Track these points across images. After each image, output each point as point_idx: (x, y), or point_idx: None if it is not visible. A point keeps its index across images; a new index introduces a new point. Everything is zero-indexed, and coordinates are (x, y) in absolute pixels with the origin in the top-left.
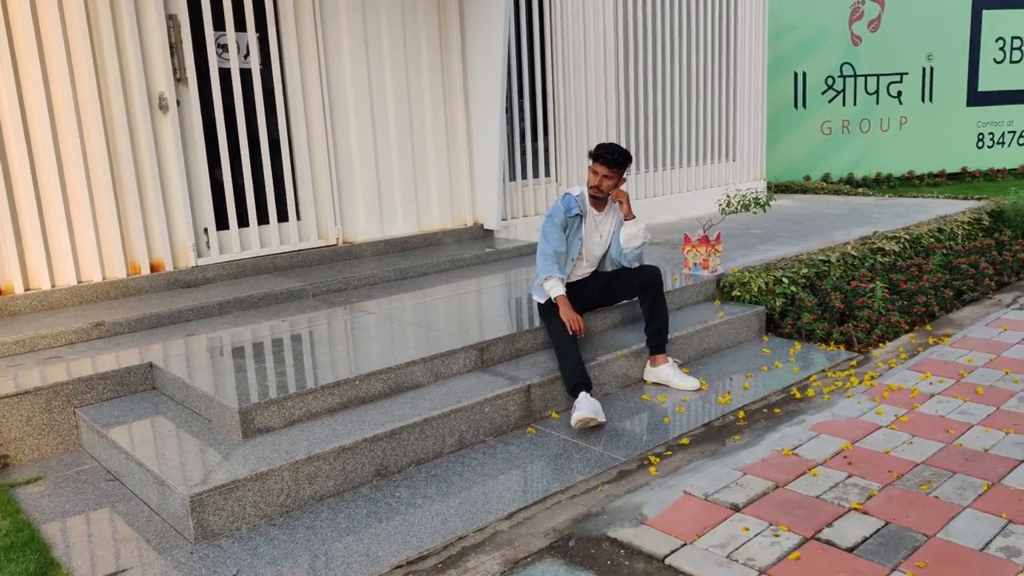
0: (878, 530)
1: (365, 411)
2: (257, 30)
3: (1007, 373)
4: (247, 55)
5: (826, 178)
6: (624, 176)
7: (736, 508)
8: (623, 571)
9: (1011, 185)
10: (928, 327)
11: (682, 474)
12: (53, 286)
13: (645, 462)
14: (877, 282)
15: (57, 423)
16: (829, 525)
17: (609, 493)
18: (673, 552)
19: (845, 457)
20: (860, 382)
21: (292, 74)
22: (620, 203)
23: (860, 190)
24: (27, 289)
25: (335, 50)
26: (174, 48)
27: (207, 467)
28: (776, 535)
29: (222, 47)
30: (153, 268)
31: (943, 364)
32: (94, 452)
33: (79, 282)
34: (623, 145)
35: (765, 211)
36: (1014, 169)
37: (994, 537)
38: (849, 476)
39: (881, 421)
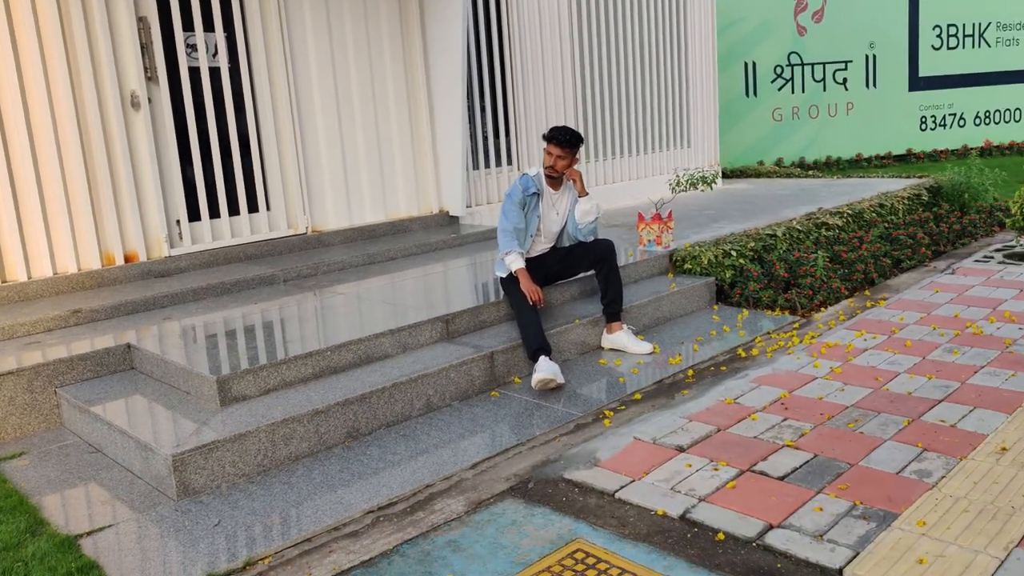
0: (807, 461)
1: (336, 380)
2: (225, 30)
3: (934, 328)
4: (215, 54)
5: (779, 163)
6: (576, 156)
7: (681, 449)
8: (577, 505)
9: (952, 164)
10: (867, 292)
11: (633, 424)
12: (29, 278)
13: (600, 416)
14: (819, 252)
15: (39, 403)
16: (764, 459)
17: (566, 443)
18: (622, 487)
19: (782, 404)
20: (801, 341)
21: (259, 71)
22: (573, 181)
23: (810, 173)
24: (3, 281)
25: (300, 47)
26: (145, 48)
27: (187, 432)
28: (716, 469)
29: (191, 47)
30: (127, 259)
31: (877, 323)
32: (75, 428)
33: (55, 273)
34: (581, 134)
35: (711, 188)
36: (956, 150)
37: (909, 462)
38: (784, 419)
39: (817, 373)
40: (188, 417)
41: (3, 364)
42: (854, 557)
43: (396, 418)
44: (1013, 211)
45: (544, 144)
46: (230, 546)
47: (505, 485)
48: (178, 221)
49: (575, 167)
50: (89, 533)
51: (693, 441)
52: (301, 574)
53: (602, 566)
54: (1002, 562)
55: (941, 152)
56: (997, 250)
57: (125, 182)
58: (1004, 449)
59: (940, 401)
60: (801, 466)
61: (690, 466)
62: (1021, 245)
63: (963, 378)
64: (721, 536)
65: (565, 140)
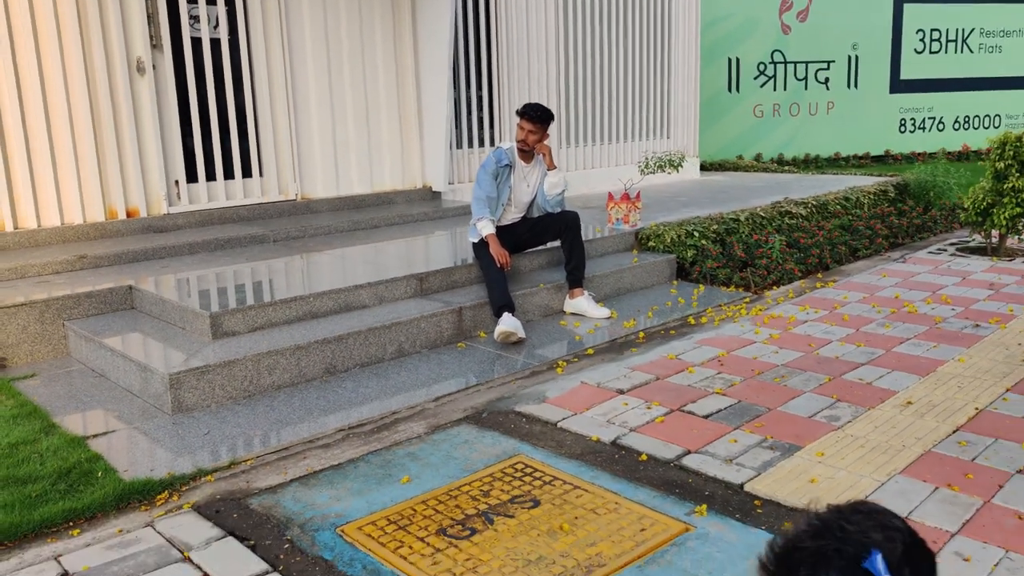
0: (731, 405)
1: (317, 323)
2: (226, 3)
3: (874, 307)
4: (216, 25)
5: (758, 158)
6: (547, 132)
7: (621, 392)
8: (522, 431)
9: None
10: (820, 275)
11: (582, 372)
12: (39, 226)
13: (554, 365)
14: (777, 237)
15: (48, 333)
16: (693, 402)
17: (520, 385)
18: (564, 419)
19: (719, 361)
20: (747, 313)
21: (257, 44)
22: (544, 155)
23: (787, 168)
24: (16, 228)
25: (297, 23)
26: (151, 17)
27: (183, 357)
28: (649, 408)
29: (194, 18)
30: (129, 214)
31: (822, 300)
32: (81, 357)
33: (62, 223)
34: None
35: (678, 171)
36: (933, 153)
37: (822, 410)
38: (718, 373)
39: (756, 339)
40: (183, 347)
41: (16, 297)
42: (755, 476)
43: (370, 359)
44: (967, 207)
45: (517, 119)
46: (217, 450)
47: (462, 414)
48: (177, 182)
49: (545, 142)
50: (94, 436)
51: (633, 386)
52: (278, 473)
53: (537, 474)
54: (882, 484)
55: (919, 154)
56: (952, 244)
57: (129, 142)
58: (909, 403)
59: (862, 364)
60: (725, 408)
61: (626, 404)
62: (975, 240)
63: (888, 347)
64: (644, 457)
65: (537, 116)
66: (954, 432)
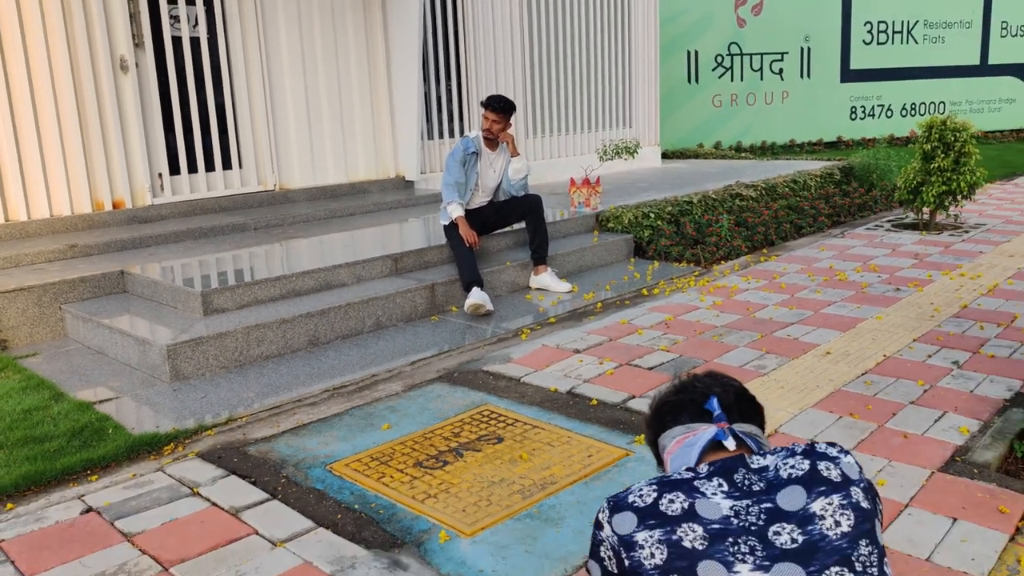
0: (673, 359)
1: (300, 300)
2: (204, 3)
3: (809, 276)
4: (196, 24)
5: (717, 146)
6: (510, 122)
7: (577, 351)
8: (489, 386)
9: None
10: (764, 251)
11: (544, 337)
12: (29, 218)
13: (519, 333)
14: (725, 216)
15: (46, 316)
16: (640, 357)
17: (488, 349)
18: (526, 375)
19: (666, 324)
20: (695, 284)
21: (235, 42)
22: (507, 143)
23: (744, 155)
24: (7, 220)
25: (272, 21)
26: (133, 17)
27: (177, 331)
28: (601, 363)
29: (174, 17)
30: (115, 205)
31: (764, 272)
32: (78, 337)
33: (51, 215)
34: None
35: (633, 156)
36: (883, 138)
37: (752, 360)
38: (664, 333)
39: (701, 305)
40: (176, 323)
41: (14, 283)
42: None
43: (350, 332)
44: (900, 186)
45: (482, 110)
46: (214, 410)
47: (435, 375)
48: (160, 174)
49: (508, 131)
50: (100, 402)
51: (588, 346)
52: (271, 426)
53: (502, 418)
54: (795, 416)
55: (869, 140)
56: (889, 221)
57: (114, 137)
58: (828, 353)
59: (792, 324)
60: (667, 361)
61: (581, 361)
62: (909, 217)
63: (817, 309)
64: (595, 402)
65: (500, 107)
66: (863, 375)
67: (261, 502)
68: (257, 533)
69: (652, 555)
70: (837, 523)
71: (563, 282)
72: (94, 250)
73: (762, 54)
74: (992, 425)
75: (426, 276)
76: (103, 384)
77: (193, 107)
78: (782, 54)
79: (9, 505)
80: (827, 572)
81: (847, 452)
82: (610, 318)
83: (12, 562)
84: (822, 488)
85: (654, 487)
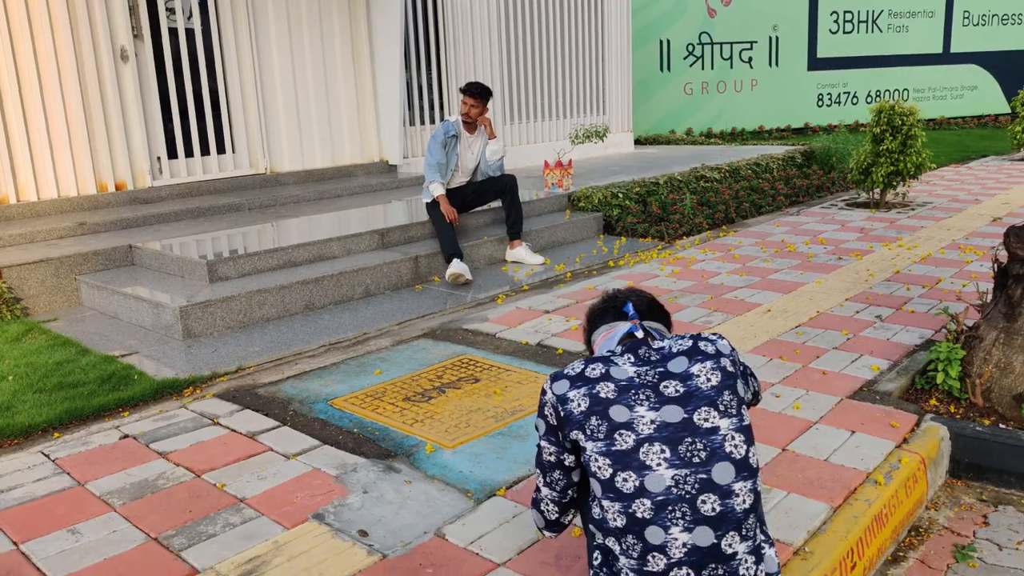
0: None
1: (296, 270)
2: None
3: (762, 248)
4: (190, 16)
5: (688, 132)
6: (487, 107)
7: (547, 312)
8: (468, 340)
9: (841, 136)
10: (724, 227)
11: (518, 301)
12: (39, 199)
13: (495, 298)
14: (688, 195)
15: (63, 286)
16: None
17: (468, 312)
18: (501, 331)
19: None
20: (658, 256)
21: (227, 32)
22: (485, 126)
23: (713, 141)
24: (18, 200)
25: (262, 12)
26: (132, 9)
27: (187, 295)
28: (567, 321)
29: (170, 10)
30: (117, 187)
31: (721, 245)
32: (92, 304)
33: (59, 196)
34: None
35: (603, 140)
36: (849, 124)
37: (700, 317)
38: None
39: (661, 273)
40: (185, 290)
41: (33, 256)
42: None
43: (342, 298)
44: (852, 167)
45: (461, 96)
46: (225, 361)
47: (420, 332)
48: (159, 158)
49: (486, 115)
50: (122, 356)
51: (557, 308)
52: (277, 374)
53: (479, 364)
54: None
55: (836, 126)
56: (843, 200)
57: (116, 123)
58: (769, 311)
59: (741, 288)
60: None
61: (550, 320)
62: (862, 196)
63: (765, 276)
64: (560, 351)
65: (477, 92)
66: (796, 327)
67: (273, 428)
68: (272, 450)
69: (579, 405)
70: (708, 380)
71: (536, 255)
72: (101, 227)
73: (732, 43)
74: (899, 364)
75: (410, 249)
76: (122, 342)
77: (189, 94)
78: (751, 43)
79: (56, 434)
80: (699, 411)
81: (722, 337)
82: (578, 285)
83: (68, 473)
84: (699, 357)
85: (582, 362)
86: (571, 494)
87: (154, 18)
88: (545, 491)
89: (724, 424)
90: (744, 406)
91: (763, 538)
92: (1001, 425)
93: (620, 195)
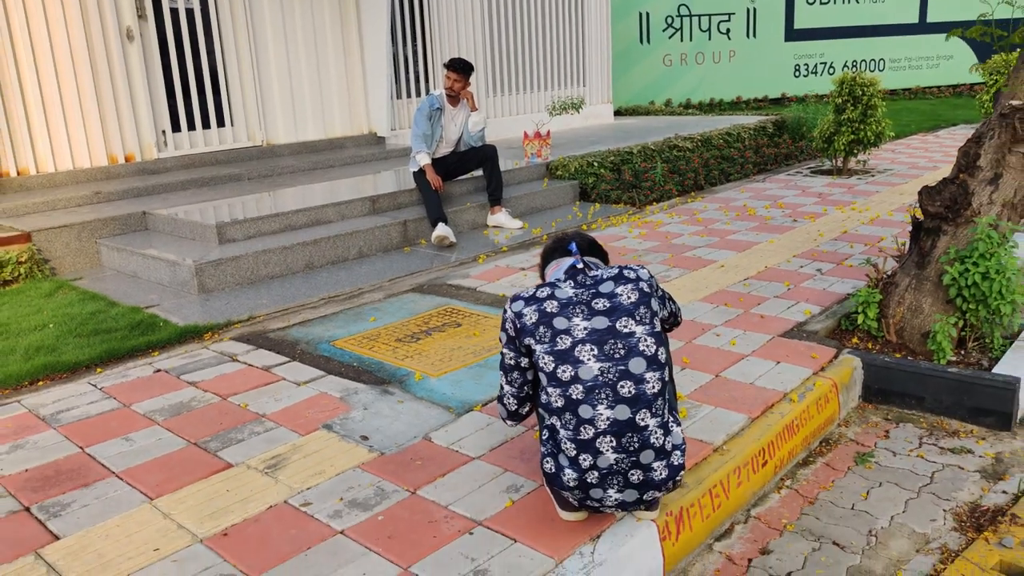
0: None
1: (296, 233)
2: None
3: (725, 213)
4: None
5: (668, 103)
6: (469, 80)
7: (523, 269)
8: (452, 293)
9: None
10: (693, 194)
11: (498, 260)
12: (55, 170)
13: (477, 258)
14: (660, 163)
15: (85, 248)
16: None
17: (452, 270)
18: (481, 286)
19: None
20: (627, 219)
21: (224, 12)
22: (467, 99)
23: (691, 111)
24: (38, 171)
25: None
26: None
27: (200, 254)
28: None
29: None
30: (127, 159)
31: (687, 210)
32: (112, 265)
33: (74, 167)
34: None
35: (579, 111)
36: (825, 95)
37: (660, 272)
38: None
39: (629, 235)
40: (196, 251)
41: (57, 222)
42: None
43: (338, 258)
44: (815, 136)
45: (445, 71)
46: (237, 311)
47: (409, 287)
48: (164, 131)
49: (468, 89)
50: (146, 307)
51: (532, 265)
52: (283, 321)
53: (461, 312)
54: (683, 306)
55: (812, 96)
56: (809, 167)
57: (124, 99)
58: (722, 266)
59: (700, 247)
60: None
61: (526, 275)
62: (826, 164)
63: (724, 236)
64: None
65: (461, 67)
66: (744, 279)
67: (284, 363)
68: (285, 379)
69: (531, 318)
70: (628, 297)
71: (516, 220)
72: (115, 196)
73: (710, 15)
74: (830, 309)
75: (399, 215)
76: (143, 297)
77: (190, 71)
78: (729, 15)
79: (98, 370)
80: (620, 320)
81: (643, 267)
82: None
83: (114, 398)
84: (623, 281)
85: (535, 288)
86: (527, 390)
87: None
88: (507, 388)
89: (639, 330)
90: (656, 318)
91: (671, 418)
92: (910, 359)
93: (595, 164)
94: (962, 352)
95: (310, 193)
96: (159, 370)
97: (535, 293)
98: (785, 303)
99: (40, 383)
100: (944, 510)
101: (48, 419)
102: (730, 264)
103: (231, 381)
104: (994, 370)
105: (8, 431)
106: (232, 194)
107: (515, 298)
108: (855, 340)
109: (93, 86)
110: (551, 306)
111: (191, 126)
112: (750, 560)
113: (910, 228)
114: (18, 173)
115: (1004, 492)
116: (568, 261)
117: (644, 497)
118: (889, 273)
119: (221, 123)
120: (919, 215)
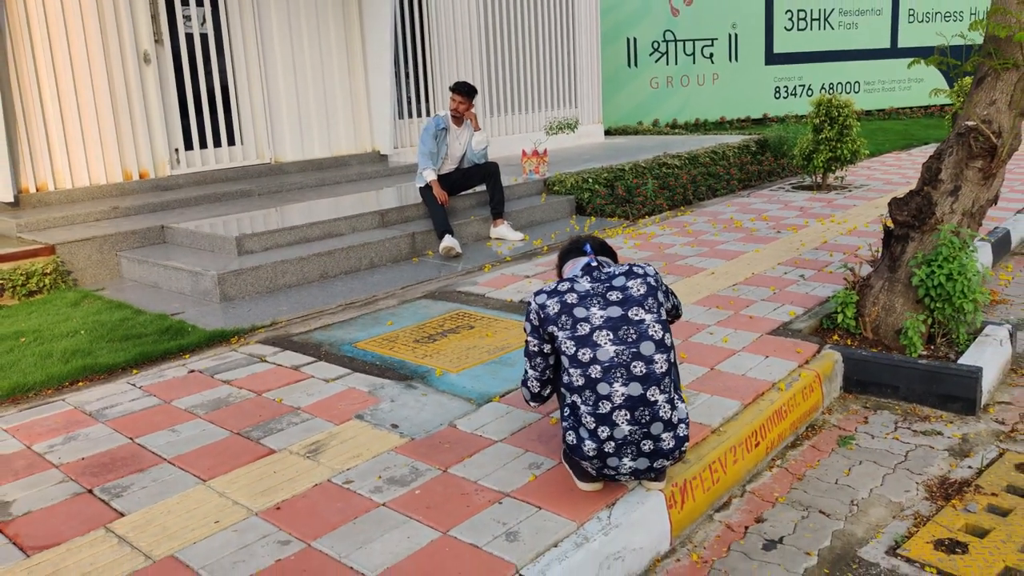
0: None
1: (310, 245)
2: (211, 4)
3: (713, 225)
4: (204, 22)
5: (655, 123)
6: (472, 103)
7: (528, 277)
8: (462, 299)
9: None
10: (682, 208)
11: (503, 269)
12: (73, 186)
13: (483, 268)
14: (651, 180)
15: (106, 260)
16: None
17: (460, 279)
18: (489, 292)
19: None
20: (622, 232)
21: (236, 37)
22: (471, 119)
23: (677, 131)
24: (56, 188)
25: (267, 19)
26: (154, 18)
27: (221, 265)
28: (545, 283)
29: (187, 17)
30: (141, 175)
31: (678, 222)
32: (133, 276)
33: (91, 183)
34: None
35: (574, 131)
36: (804, 115)
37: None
38: None
39: (624, 246)
40: (217, 261)
41: (79, 235)
42: None
43: (351, 268)
44: (795, 154)
45: (451, 94)
46: (260, 317)
47: (421, 294)
48: (176, 149)
49: (472, 110)
50: (172, 314)
51: (536, 273)
52: (305, 326)
53: (472, 316)
54: None
55: (792, 117)
56: (790, 183)
57: (139, 118)
58: (712, 273)
59: (691, 256)
60: None
61: (531, 283)
62: (807, 180)
63: (713, 246)
64: None
65: (465, 91)
66: (733, 285)
67: (311, 362)
68: (314, 377)
69: (553, 308)
70: (638, 290)
71: (517, 232)
72: (132, 211)
73: (694, 40)
74: (812, 310)
75: (407, 227)
76: (167, 305)
77: (203, 92)
78: (712, 40)
79: (134, 371)
80: (632, 309)
81: (649, 265)
82: (553, 256)
83: (154, 395)
84: (633, 276)
85: (556, 283)
86: (548, 374)
87: (173, 25)
88: (531, 372)
89: (648, 318)
90: (662, 308)
91: (676, 396)
92: (885, 353)
93: (590, 180)
94: (931, 347)
95: (322, 208)
96: (193, 371)
97: (556, 287)
98: (771, 305)
99: (80, 384)
100: (917, 483)
101: (95, 415)
102: (720, 271)
103: (263, 379)
104: (959, 361)
105: (59, 425)
106: (244, 209)
107: (538, 292)
108: (835, 337)
109: (111, 106)
110: (571, 298)
111: (203, 144)
112: (747, 527)
113: (882, 236)
114: (37, 189)
115: (969, 467)
116: (584, 260)
117: (654, 465)
118: (865, 277)
119: (232, 142)
120: (890, 224)
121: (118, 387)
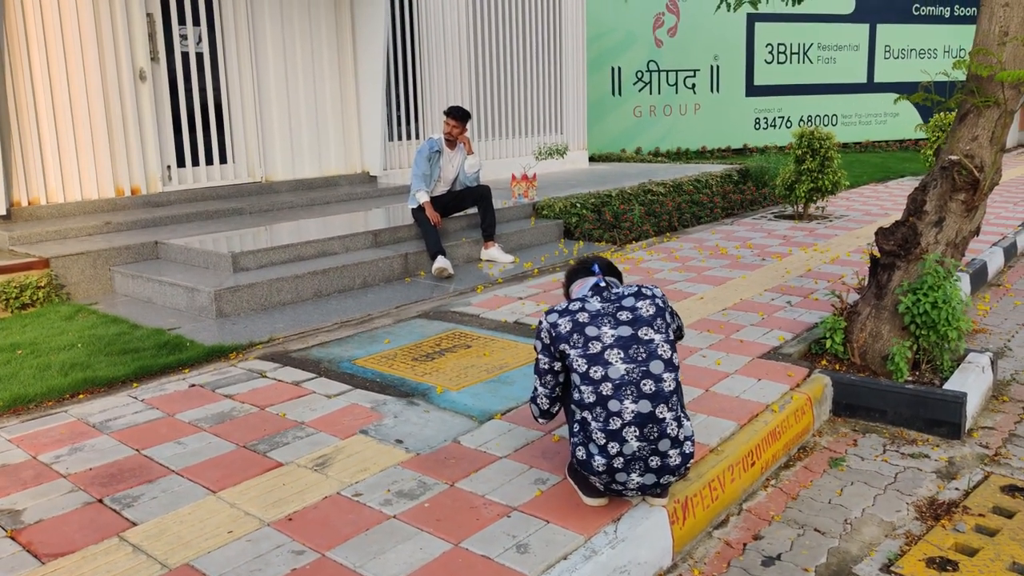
0: None
1: (304, 263)
2: (207, 24)
3: (699, 251)
4: (200, 42)
5: (638, 151)
6: (466, 127)
7: (520, 298)
8: (457, 319)
9: (772, 157)
10: (668, 234)
11: (496, 290)
12: (65, 200)
13: (475, 289)
14: (637, 206)
15: (99, 275)
16: None
17: (453, 299)
18: (483, 313)
19: None
20: (610, 257)
21: (231, 56)
22: (464, 144)
23: (659, 159)
24: (48, 202)
25: (261, 39)
26: (151, 36)
27: (216, 282)
28: (538, 304)
29: (183, 36)
30: (133, 191)
31: (665, 248)
32: (126, 291)
33: (82, 198)
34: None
35: (563, 156)
36: (784, 146)
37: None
38: None
39: None
40: (212, 278)
41: (72, 249)
42: None
43: (345, 287)
44: (778, 184)
45: (444, 118)
46: (257, 333)
47: (416, 314)
48: (169, 166)
49: (465, 134)
50: (169, 329)
51: (528, 295)
52: (303, 343)
53: (469, 336)
54: None
55: (773, 147)
56: (772, 212)
57: (133, 134)
58: (701, 298)
59: (680, 281)
60: None
61: (523, 304)
62: (788, 209)
63: (700, 272)
64: (534, 326)
65: (459, 115)
66: (723, 310)
67: (312, 378)
68: (315, 392)
69: (565, 327)
70: (647, 310)
71: (507, 255)
72: (124, 226)
73: (677, 71)
74: (801, 336)
75: (400, 248)
76: (163, 320)
77: (196, 110)
78: (694, 71)
79: (135, 384)
80: (641, 329)
81: (656, 287)
82: (544, 278)
83: (157, 408)
84: (642, 297)
85: (566, 303)
86: (558, 391)
87: (169, 43)
88: (540, 389)
89: (657, 338)
90: (670, 329)
91: (683, 413)
92: (873, 378)
93: (578, 205)
94: (917, 372)
95: (315, 227)
96: (193, 385)
97: (568, 307)
98: (761, 330)
99: (81, 396)
100: (907, 503)
101: (99, 426)
102: (709, 296)
103: (265, 394)
104: (944, 387)
105: (64, 436)
106: (236, 227)
107: (550, 311)
108: (824, 362)
109: (105, 122)
110: (583, 317)
111: (195, 162)
112: (745, 544)
113: (869, 264)
114: (29, 203)
115: (957, 489)
116: (592, 280)
117: (660, 481)
118: (852, 304)
119: (224, 160)
120: (876, 253)
121: (120, 400)
